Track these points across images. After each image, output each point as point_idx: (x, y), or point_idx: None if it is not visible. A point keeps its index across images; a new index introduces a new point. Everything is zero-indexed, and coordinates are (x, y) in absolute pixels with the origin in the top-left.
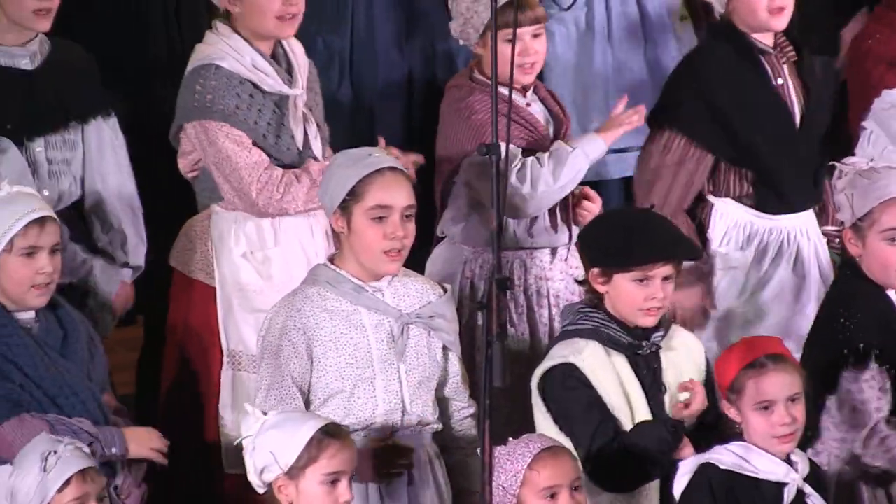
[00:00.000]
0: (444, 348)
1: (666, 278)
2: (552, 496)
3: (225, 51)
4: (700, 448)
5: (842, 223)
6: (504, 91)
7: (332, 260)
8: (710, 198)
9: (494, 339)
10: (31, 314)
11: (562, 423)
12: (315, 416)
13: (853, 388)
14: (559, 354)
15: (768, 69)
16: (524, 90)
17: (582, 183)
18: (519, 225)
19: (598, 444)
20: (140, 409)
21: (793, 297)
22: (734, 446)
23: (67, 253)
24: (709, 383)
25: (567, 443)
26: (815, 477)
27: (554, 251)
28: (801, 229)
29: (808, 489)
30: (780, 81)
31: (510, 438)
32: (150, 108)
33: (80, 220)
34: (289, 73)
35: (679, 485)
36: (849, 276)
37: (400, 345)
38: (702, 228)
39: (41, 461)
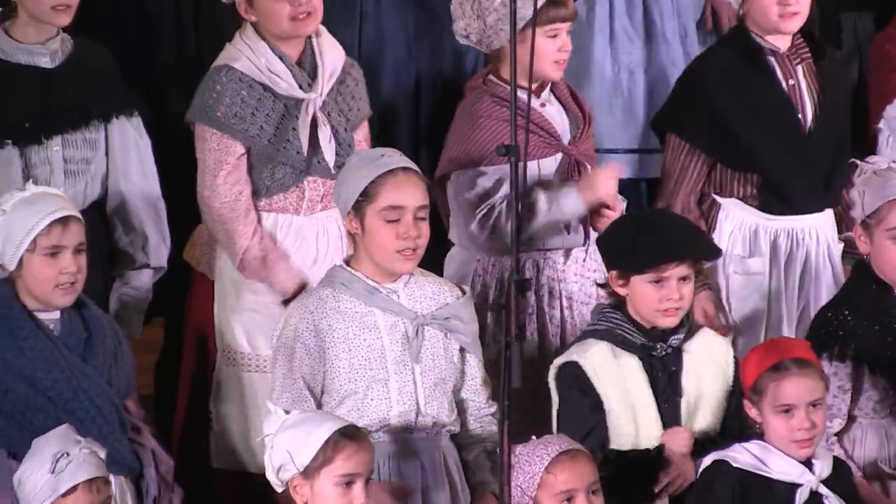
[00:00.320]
0: (462, 350)
1: (683, 279)
2: (569, 500)
3: (243, 52)
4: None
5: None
6: (521, 96)
7: (347, 262)
8: (717, 198)
9: (513, 341)
10: (56, 314)
11: (558, 419)
12: (334, 418)
13: None
14: (569, 353)
15: (778, 71)
16: (538, 90)
17: None
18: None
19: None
20: (159, 411)
21: (797, 299)
22: (752, 445)
23: None
24: (736, 391)
25: None
26: (839, 479)
27: (568, 253)
28: (810, 231)
29: (824, 490)
30: (791, 82)
31: (533, 437)
32: (166, 111)
33: (102, 221)
34: (312, 76)
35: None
36: (860, 278)
37: (415, 346)
38: (708, 229)
39: (52, 461)
